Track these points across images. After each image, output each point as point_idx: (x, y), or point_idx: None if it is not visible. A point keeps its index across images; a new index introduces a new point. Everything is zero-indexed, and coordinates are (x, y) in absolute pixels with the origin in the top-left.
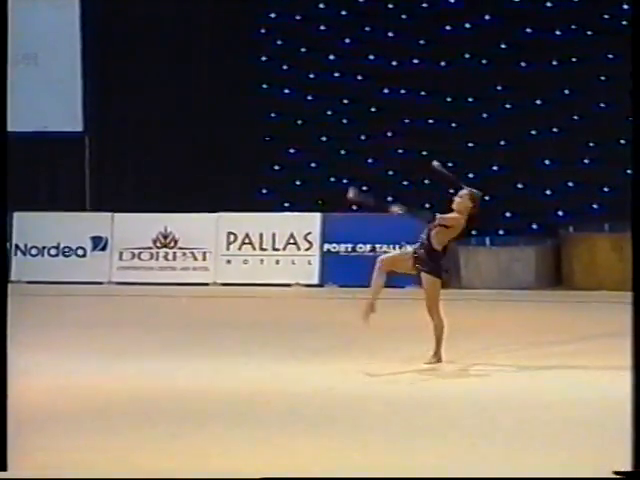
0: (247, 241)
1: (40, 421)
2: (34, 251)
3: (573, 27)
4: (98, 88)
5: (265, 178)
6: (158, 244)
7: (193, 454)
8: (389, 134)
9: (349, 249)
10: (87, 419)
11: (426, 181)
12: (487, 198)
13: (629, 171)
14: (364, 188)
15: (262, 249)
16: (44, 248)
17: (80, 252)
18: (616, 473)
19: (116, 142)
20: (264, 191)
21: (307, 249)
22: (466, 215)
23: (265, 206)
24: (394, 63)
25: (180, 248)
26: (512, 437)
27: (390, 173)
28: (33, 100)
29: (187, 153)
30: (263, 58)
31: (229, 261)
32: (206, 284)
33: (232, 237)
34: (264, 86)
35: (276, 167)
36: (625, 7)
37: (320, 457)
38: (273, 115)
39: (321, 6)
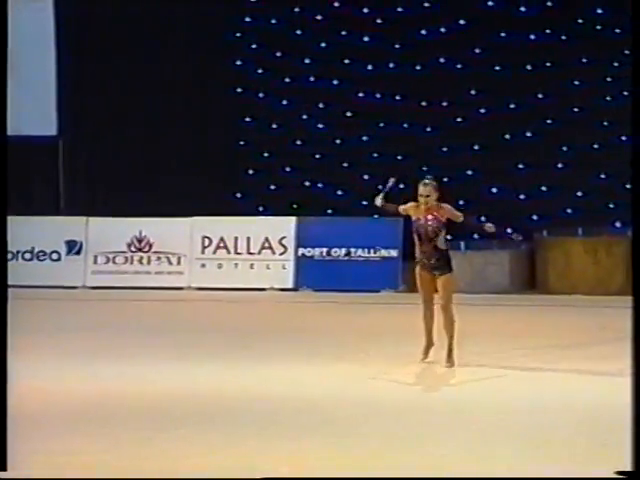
0: (222, 245)
1: (14, 425)
2: (8, 255)
3: (547, 31)
4: (73, 91)
5: (240, 182)
6: (133, 248)
7: (169, 456)
8: (364, 138)
9: (324, 253)
10: (58, 422)
11: (401, 185)
12: (461, 202)
13: (603, 175)
14: (339, 192)
15: (237, 253)
16: (18, 252)
17: (54, 256)
18: (616, 473)
19: (91, 146)
20: (239, 195)
21: (282, 253)
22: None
23: (240, 210)
24: (369, 67)
25: (155, 252)
26: (492, 440)
27: (365, 177)
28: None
29: (162, 157)
30: (238, 62)
31: (204, 265)
32: (181, 288)
33: (207, 241)
34: (238, 90)
35: (250, 171)
36: (599, 11)
37: (295, 460)
38: (248, 119)
39: (296, 10)
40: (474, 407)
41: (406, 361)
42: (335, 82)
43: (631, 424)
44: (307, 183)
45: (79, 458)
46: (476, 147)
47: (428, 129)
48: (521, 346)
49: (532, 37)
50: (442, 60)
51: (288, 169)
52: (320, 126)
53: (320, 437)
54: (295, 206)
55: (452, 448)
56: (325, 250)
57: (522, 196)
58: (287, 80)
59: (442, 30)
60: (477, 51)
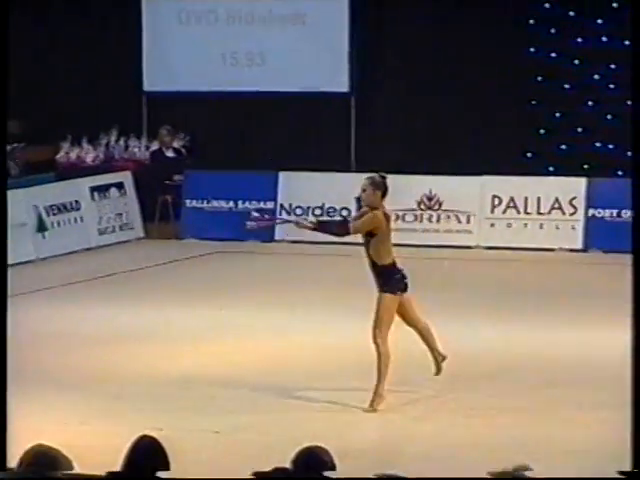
0: (512, 205)
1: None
2: (299, 211)
3: None
4: (364, 48)
5: (530, 141)
6: (422, 206)
7: None
8: None
9: (614, 214)
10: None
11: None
12: None
13: None
14: (629, 154)
15: (526, 213)
16: (308, 208)
17: (344, 213)
18: (619, 473)
19: (381, 103)
20: (529, 155)
21: (572, 214)
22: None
23: (530, 170)
24: None
25: (444, 210)
26: None
27: None
28: (300, 60)
29: (452, 116)
30: (531, 21)
31: (493, 224)
32: (469, 247)
33: (497, 200)
34: (531, 49)
35: (542, 131)
36: None
37: None
38: (539, 79)
39: None
40: None
41: None
42: (626, 43)
43: (631, 424)
44: (598, 144)
45: None
46: None
47: None
48: None
49: None
50: None
51: (579, 129)
52: (612, 87)
53: None
54: (586, 167)
55: None
56: (615, 211)
57: None
58: (579, 40)
59: None
60: None
